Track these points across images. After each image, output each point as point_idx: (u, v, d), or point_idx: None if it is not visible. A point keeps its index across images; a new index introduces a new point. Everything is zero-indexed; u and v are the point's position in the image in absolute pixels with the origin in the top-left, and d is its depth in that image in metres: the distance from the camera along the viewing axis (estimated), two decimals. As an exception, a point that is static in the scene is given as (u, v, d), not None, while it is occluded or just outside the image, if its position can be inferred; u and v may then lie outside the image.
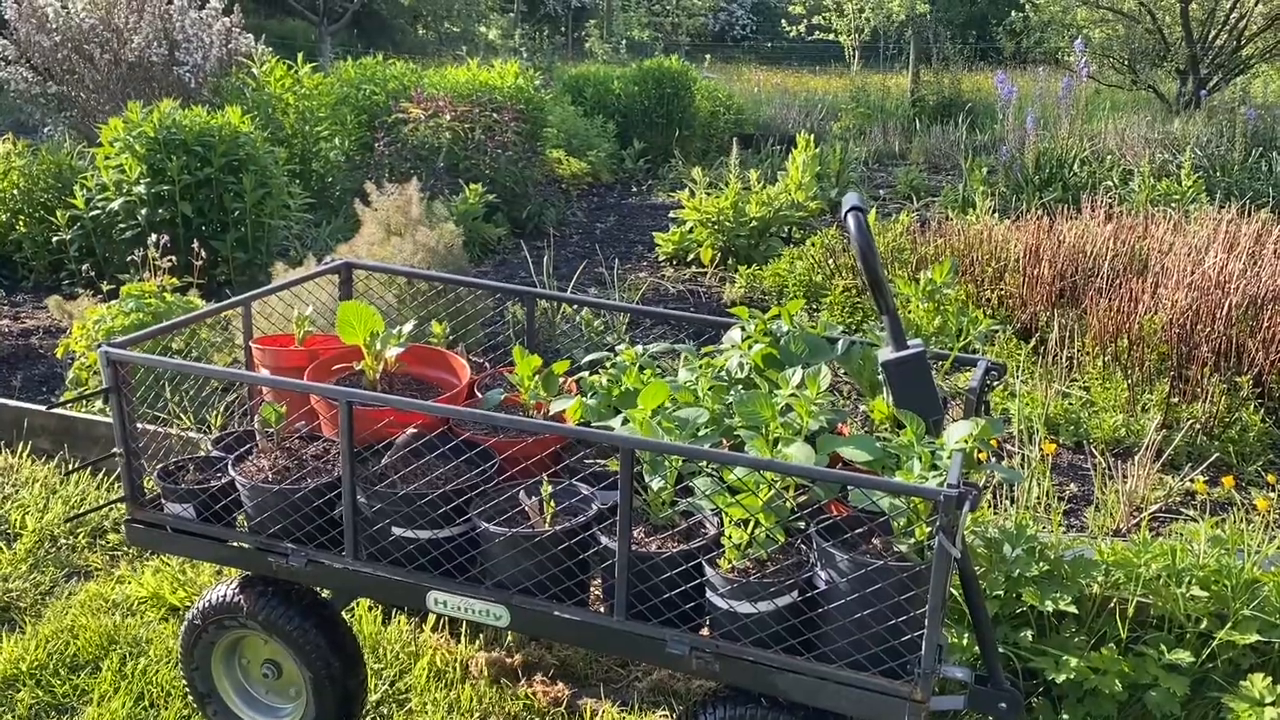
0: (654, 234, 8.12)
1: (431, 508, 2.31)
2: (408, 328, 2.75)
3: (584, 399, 2.52)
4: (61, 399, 4.42)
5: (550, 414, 2.56)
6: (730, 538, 2.12)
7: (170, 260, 4.57)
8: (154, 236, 6.27)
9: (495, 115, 9.20)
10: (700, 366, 2.54)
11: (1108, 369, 4.97)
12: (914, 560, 2.05)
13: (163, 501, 2.59)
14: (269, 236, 6.64)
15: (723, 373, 2.56)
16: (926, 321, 2.33)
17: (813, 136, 9.02)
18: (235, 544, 2.53)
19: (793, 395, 2.28)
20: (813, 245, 7.01)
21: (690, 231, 7.81)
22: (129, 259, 5.57)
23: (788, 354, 2.53)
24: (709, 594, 2.16)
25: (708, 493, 2.14)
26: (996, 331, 4.46)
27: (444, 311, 4.14)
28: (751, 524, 2.11)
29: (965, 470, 2.09)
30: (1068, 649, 2.91)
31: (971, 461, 2.17)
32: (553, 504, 2.30)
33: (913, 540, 2.09)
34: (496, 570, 2.31)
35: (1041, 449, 3.62)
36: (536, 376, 2.70)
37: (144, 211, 6.29)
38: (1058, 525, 3.27)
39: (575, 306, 5.81)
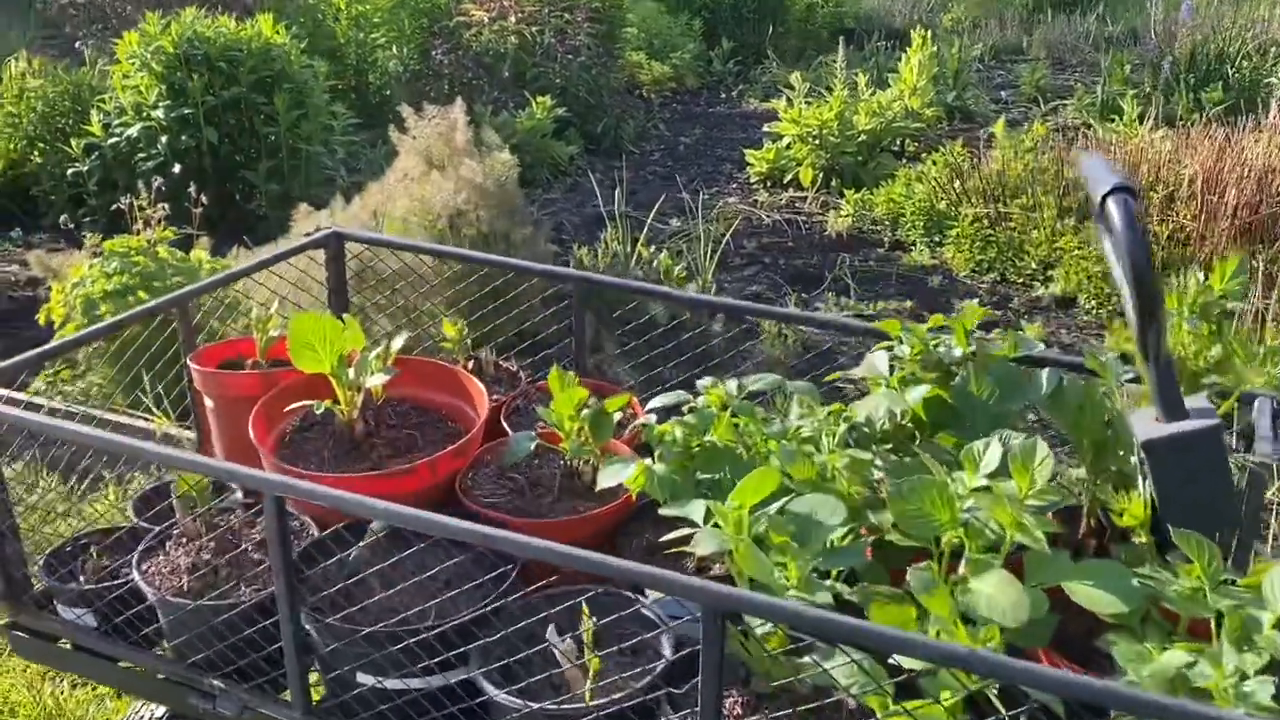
0: (745, 150, 7.13)
1: (408, 650, 1.50)
2: (397, 343, 1.91)
3: (649, 464, 1.67)
4: None
5: (599, 487, 1.71)
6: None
7: (163, 208, 3.80)
8: (178, 167, 5.56)
9: (567, 15, 8.20)
10: (827, 417, 1.66)
11: (1320, 327, 3.94)
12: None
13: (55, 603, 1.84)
14: (308, 164, 5.85)
15: (861, 425, 1.68)
16: (1195, 354, 1.45)
17: (928, 32, 7.85)
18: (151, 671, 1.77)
19: (984, 490, 1.40)
20: (934, 164, 5.96)
21: (788, 148, 6.80)
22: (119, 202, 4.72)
23: (965, 399, 1.64)
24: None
25: (853, 689, 1.28)
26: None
27: (479, 285, 3.29)
28: (926, 733, 1.26)
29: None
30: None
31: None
32: (597, 656, 1.47)
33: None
34: (514, 752, 1.50)
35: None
36: (583, 413, 1.86)
37: (165, 138, 5.53)
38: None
39: (653, 248, 4.92)
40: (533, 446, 1.85)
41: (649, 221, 5.14)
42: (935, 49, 8.00)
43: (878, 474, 1.58)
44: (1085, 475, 1.69)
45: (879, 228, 5.83)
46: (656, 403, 1.78)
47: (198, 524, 1.76)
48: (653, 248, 4.92)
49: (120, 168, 5.71)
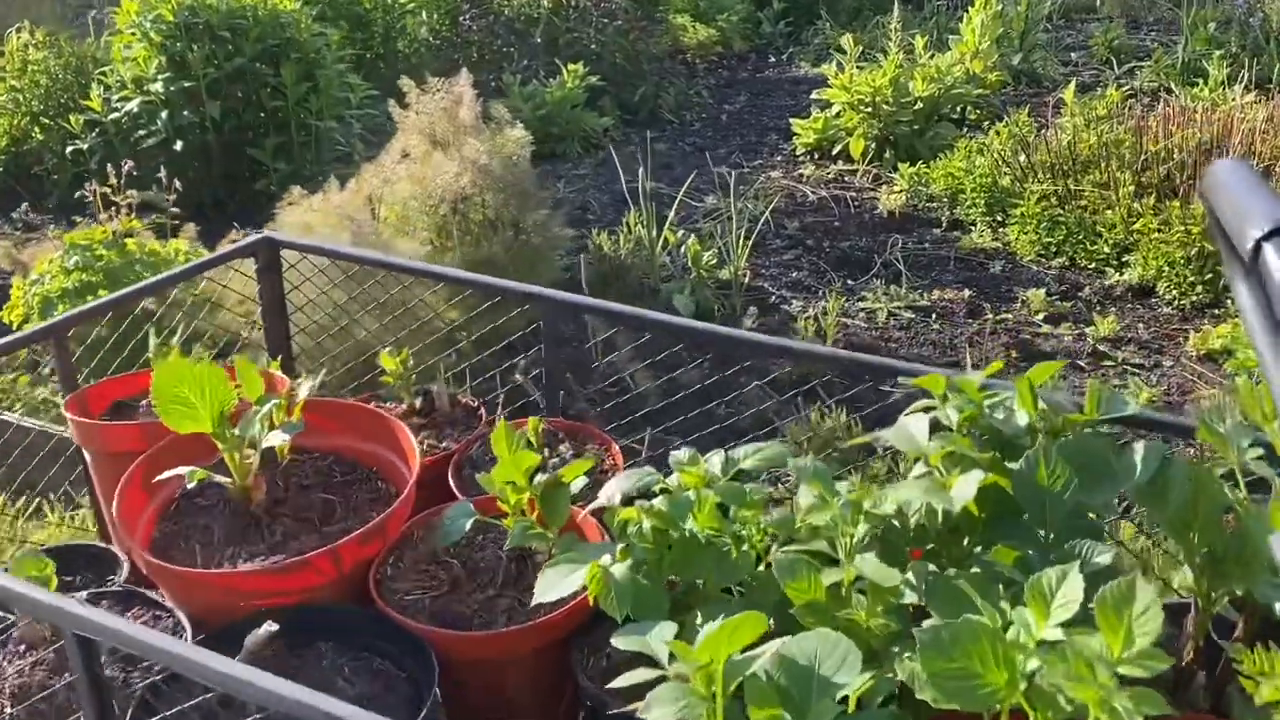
0: (791, 119, 6.63)
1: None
2: (304, 390, 1.52)
3: (607, 563, 1.26)
4: None
5: (535, 600, 1.30)
6: None
7: (130, 196, 3.45)
8: (180, 144, 5.24)
9: (603, -23, 7.74)
10: (845, 508, 1.23)
11: None
12: None
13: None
14: (318, 141, 5.48)
15: (890, 517, 1.25)
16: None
17: (992, -11, 7.26)
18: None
19: (1055, 643, 0.97)
20: (997, 135, 5.44)
21: (837, 116, 6.29)
22: (97, 183, 4.35)
23: (1031, 491, 1.20)
24: None
25: None
26: None
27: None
28: None
29: None
30: None
31: None
32: None
33: None
34: None
35: None
36: (535, 481, 1.45)
37: (165, 113, 5.20)
38: None
39: (681, 232, 4.49)
40: (467, 526, 1.45)
41: (678, 199, 4.71)
42: (1000, 7, 7.41)
43: (910, 595, 1.16)
44: (1193, 584, 1.25)
45: (935, 205, 5.33)
46: (618, 485, 1.35)
47: (42, 627, 1.39)
48: (681, 231, 4.49)
49: (123, 144, 5.39)
